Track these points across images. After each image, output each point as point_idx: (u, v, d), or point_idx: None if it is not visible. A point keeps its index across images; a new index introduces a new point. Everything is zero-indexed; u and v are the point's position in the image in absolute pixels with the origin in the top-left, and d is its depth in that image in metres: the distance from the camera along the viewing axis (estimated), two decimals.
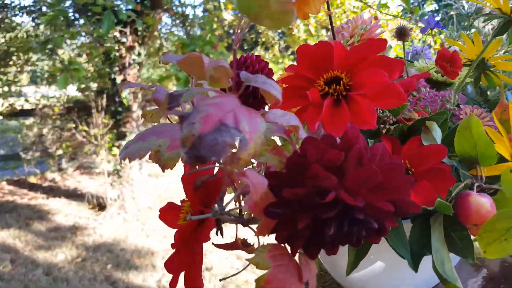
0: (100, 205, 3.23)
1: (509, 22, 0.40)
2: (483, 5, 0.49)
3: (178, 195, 3.58)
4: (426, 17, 0.70)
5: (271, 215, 0.27)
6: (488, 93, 0.51)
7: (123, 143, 3.34)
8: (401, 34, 0.47)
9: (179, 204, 0.38)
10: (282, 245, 0.28)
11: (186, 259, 0.31)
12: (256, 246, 0.33)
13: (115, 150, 3.23)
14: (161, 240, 2.71)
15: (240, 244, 0.31)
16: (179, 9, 3.18)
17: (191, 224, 0.32)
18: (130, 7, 2.11)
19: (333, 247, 0.28)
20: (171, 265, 0.32)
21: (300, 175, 0.26)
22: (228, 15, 2.40)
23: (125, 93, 3.34)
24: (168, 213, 0.38)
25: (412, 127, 0.39)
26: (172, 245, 0.33)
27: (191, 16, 3.29)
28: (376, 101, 0.32)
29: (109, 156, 3.40)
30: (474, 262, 0.58)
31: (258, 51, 4.33)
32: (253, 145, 0.21)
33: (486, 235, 0.33)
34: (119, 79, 3.45)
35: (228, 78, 0.22)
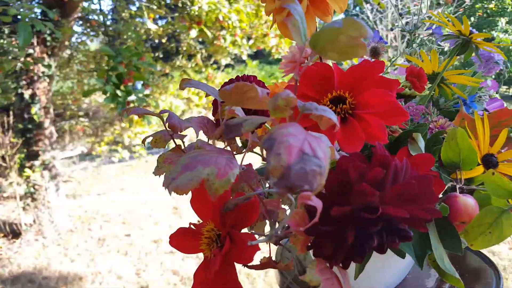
0: (13, 232, 2.92)
1: (468, 42, 0.46)
2: (442, 26, 0.56)
3: (100, 215, 3.38)
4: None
5: (317, 233, 0.28)
6: (439, 102, 0.58)
7: (36, 163, 3.07)
8: (375, 53, 0.51)
9: (191, 227, 0.37)
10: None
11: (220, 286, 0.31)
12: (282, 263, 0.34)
13: (28, 171, 2.95)
14: (88, 264, 2.54)
15: (273, 262, 0.32)
16: (95, 17, 3.01)
17: (219, 249, 0.32)
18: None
19: (363, 256, 0.30)
20: None
21: (344, 194, 0.28)
22: (152, 25, 2.34)
23: (35, 109, 3.08)
24: (182, 239, 0.37)
25: (398, 139, 0.43)
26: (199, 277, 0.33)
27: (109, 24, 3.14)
28: (383, 118, 0.35)
29: (19, 179, 3.09)
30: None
31: (180, 60, 4.27)
32: (327, 171, 0.22)
33: (473, 230, 0.38)
34: (27, 93, 3.16)
35: (291, 107, 0.24)
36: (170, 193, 0.26)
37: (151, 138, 0.38)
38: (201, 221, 0.37)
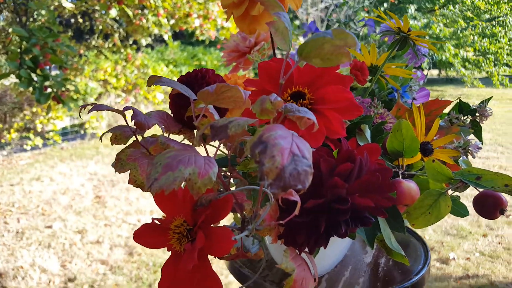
0: None
1: (406, 39, 0.50)
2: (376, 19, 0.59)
3: (16, 208, 3.12)
4: (308, 23, 0.79)
5: (292, 224, 0.30)
6: (375, 93, 0.63)
7: None
8: None
9: (156, 223, 0.37)
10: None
11: (197, 281, 0.32)
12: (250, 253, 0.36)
13: None
14: (8, 259, 2.35)
15: (243, 253, 0.33)
16: None
17: (191, 244, 0.33)
18: None
19: (328, 241, 0.33)
20: None
21: (316, 187, 0.30)
22: (67, 3, 2.14)
23: None
24: (147, 235, 0.37)
25: (346, 130, 0.46)
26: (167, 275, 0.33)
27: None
28: (341, 114, 0.37)
29: None
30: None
31: (96, 39, 4.00)
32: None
33: (415, 211, 0.43)
34: None
35: (277, 109, 0.25)
36: (153, 194, 0.26)
37: (110, 134, 0.37)
38: (165, 217, 0.37)
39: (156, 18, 2.25)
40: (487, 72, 6.28)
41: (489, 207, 0.39)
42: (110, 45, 3.90)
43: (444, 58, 6.65)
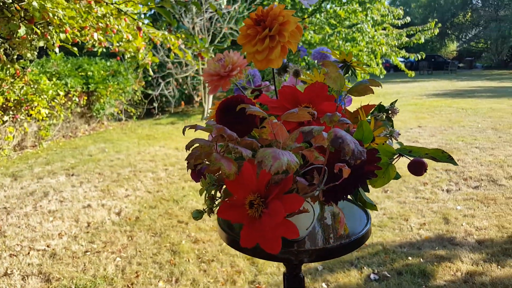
0: None
1: (349, 66, 0.75)
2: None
3: None
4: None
5: (335, 186, 0.51)
6: None
7: None
8: (297, 74, 0.75)
9: (229, 203, 0.55)
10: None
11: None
12: None
13: None
14: None
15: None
16: None
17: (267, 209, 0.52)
18: None
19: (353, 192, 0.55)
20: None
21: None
22: None
23: None
24: (226, 211, 0.54)
25: None
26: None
27: None
28: None
29: None
30: None
31: None
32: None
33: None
34: None
35: (336, 121, 0.45)
36: (273, 173, 0.44)
37: (196, 144, 0.53)
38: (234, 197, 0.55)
39: (64, 34, 2.19)
40: None
41: (418, 168, 0.65)
42: None
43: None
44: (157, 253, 2.36)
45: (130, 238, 2.57)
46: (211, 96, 7.22)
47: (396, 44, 8.25)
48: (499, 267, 1.96)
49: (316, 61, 0.88)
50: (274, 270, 2.10)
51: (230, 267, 2.17)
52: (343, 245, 0.65)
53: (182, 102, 8.02)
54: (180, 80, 7.33)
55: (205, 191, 0.68)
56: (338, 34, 7.28)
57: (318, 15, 7.69)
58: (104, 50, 2.94)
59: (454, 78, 16.17)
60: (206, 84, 0.83)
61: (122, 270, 2.20)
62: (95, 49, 2.92)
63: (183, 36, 2.29)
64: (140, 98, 7.42)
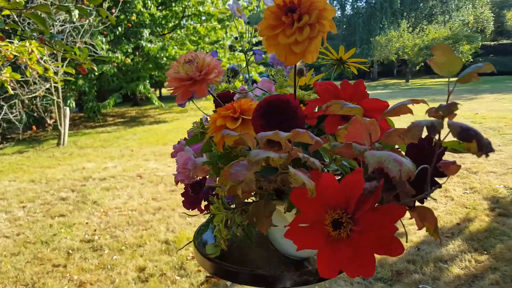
0: None
1: (340, 63, 0.71)
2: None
3: None
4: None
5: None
6: None
7: None
8: (301, 73, 0.67)
9: (302, 226, 0.44)
10: None
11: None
12: None
13: None
14: None
15: None
16: None
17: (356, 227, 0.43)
18: None
19: None
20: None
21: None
22: None
23: None
24: (300, 233, 0.43)
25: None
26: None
27: None
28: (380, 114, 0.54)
29: None
30: None
31: None
32: None
33: None
34: None
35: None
36: (404, 179, 0.36)
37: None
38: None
39: None
40: None
41: None
42: None
43: None
44: None
45: None
46: (67, 118, 6.46)
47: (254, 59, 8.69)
48: None
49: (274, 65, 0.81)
50: None
51: None
52: None
53: (34, 127, 6.97)
54: (27, 102, 6.36)
55: (220, 219, 0.55)
56: (202, 50, 7.34)
57: (179, 31, 7.62)
58: None
59: None
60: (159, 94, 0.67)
61: None
62: None
63: (57, 46, 1.95)
64: None
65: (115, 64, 6.75)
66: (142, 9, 7.05)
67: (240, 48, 0.96)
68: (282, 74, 0.77)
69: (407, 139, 0.37)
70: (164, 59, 6.97)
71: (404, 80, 18.68)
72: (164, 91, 17.53)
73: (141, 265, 2.26)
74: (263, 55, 0.95)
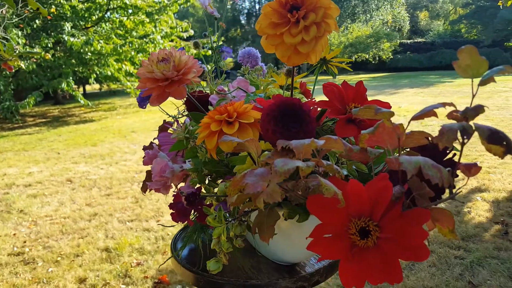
0: None
1: (324, 63, 0.69)
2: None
3: None
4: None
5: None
6: None
7: None
8: (289, 73, 0.64)
9: (325, 237, 0.41)
10: None
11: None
12: None
13: None
14: None
15: None
16: None
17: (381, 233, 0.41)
18: None
19: None
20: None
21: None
22: None
23: None
24: (324, 243, 0.41)
25: None
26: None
27: None
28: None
29: None
30: None
31: None
32: None
33: None
34: None
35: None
36: (446, 186, 0.35)
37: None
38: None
39: None
40: None
41: None
42: None
43: (109, 73, 7.00)
44: None
45: None
46: None
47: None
48: None
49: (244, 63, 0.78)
50: None
51: None
52: None
53: None
54: None
55: (221, 232, 0.51)
56: (130, 45, 6.99)
57: (103, 25, 7.20)
58: None
59: None
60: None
61: None
62: None
63: None
64: None
65: (34, 60, 6.21)
66: (62, 0, 6.54)
67: (207, 46, 0.92)
68: (260, 73, 0.74)
69: (442, 143, 0.36)
70: (89, 54, 6.54)
71: (331, 77, 19.46)
72: (89, 88, 16.48)
73: (81, 275, 2.10)
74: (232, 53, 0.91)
